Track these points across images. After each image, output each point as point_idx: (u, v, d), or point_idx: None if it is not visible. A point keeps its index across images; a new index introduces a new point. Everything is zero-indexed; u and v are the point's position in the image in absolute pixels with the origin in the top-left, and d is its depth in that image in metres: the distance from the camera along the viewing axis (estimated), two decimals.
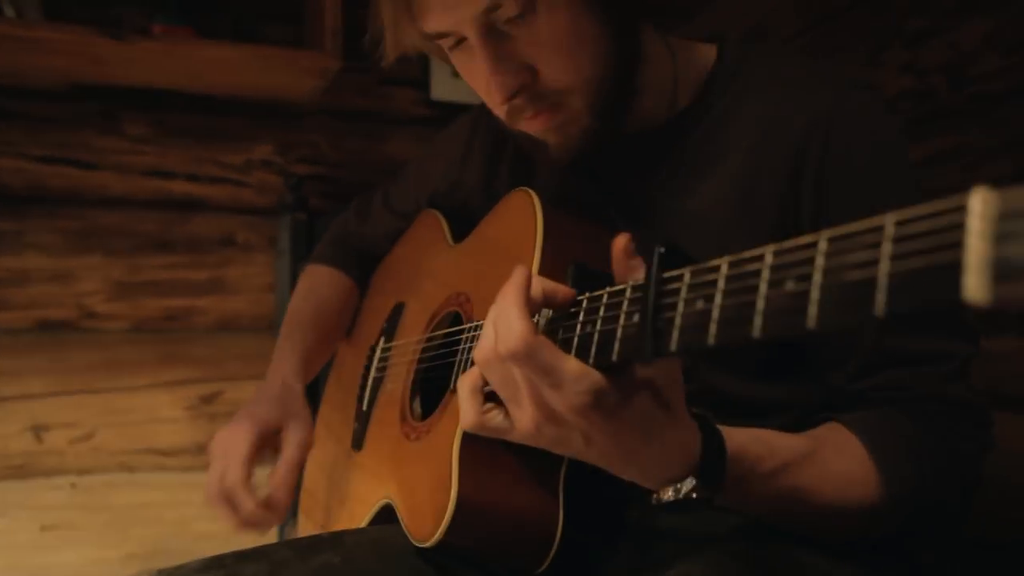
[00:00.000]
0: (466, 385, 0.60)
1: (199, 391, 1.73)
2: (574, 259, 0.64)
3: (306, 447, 0.94)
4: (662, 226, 0.82)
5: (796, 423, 0.72)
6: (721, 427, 0.61)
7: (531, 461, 0.69)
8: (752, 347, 0.44)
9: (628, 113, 0.81)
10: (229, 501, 0.88)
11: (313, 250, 1.24)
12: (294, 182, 1.71)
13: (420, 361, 0.93)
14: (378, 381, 1.02)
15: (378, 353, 1.06)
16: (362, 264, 1.21)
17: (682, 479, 0.58)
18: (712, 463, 0.58)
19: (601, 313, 0.58)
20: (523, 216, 0.83)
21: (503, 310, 0.55)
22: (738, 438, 0.61)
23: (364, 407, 1.00)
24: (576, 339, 0.59)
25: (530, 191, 0.85)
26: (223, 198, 1.74)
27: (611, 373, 0.57)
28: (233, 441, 0.91)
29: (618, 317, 0.56)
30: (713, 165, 0.79)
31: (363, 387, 1.04)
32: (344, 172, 1.82)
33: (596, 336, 0.57)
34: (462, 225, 1.00)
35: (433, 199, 1.13)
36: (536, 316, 0.62)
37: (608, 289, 0.59)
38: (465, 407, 0.60)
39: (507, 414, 0.59)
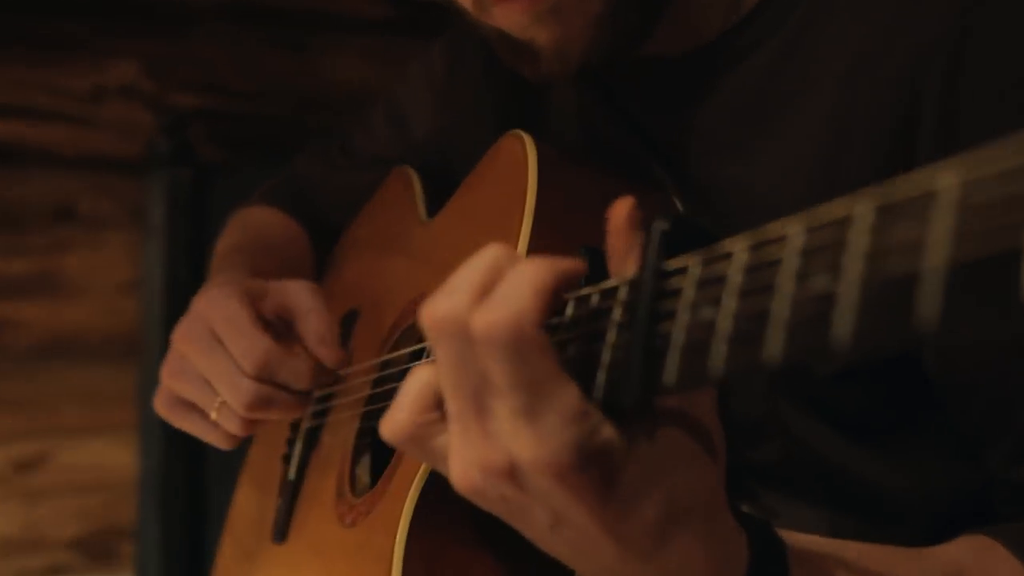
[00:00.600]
0: (418, 377, 0.57)
1: (13, 453, 1.51)
2: (585, 241, 0.62)
3: (319, 295, 0.95)
4: (714, 200, 0.81)
5: (925, 529, 0.70)
6: (786, 535, 0.59)
7: (524, 560, 0.67)
8: (853, 389, 0.46)
9: (663, 17, 0.80)
10: (274, 378, 0.89)
11: (211, 231, 1.27)
12: (172, 121, 1.57)
13: (372, 400, 0.94)
14: (314, 433, 1.04)
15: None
16: (315, 228, 1.24)
17: None
18: None
19: (586, 325, 0.56)
20: (512, 173, 0.83)
21: (512, 272, 0.52)
22: (813, 553, 0.59)
23: (292, 474, 1.02)
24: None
25: (522, 134, 0.84)
26: (57, 144, 1.54)
27: (619, 422, 0.54)
28: (220, 311, 0.91)
29: (604, 332, 0.54)
30: (783, 107, 0.77)
31: (291, 442, 1.06)
32: (255, 107, 1.64)
33: (576, 360, 0.55)
34: (444, 189, 1.00)
35: (408, 152, 1.15)
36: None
37: (597, 288, 0.57)
38: (399, 403, 0.56)
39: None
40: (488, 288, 0.53)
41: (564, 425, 0.51)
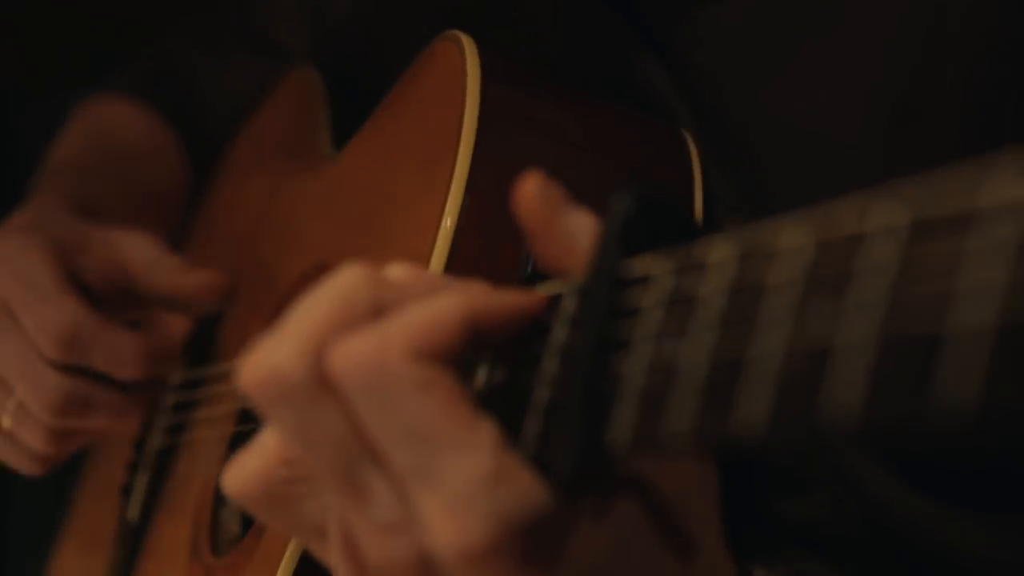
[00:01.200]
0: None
1: None
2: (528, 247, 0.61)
3: (160, 249, 0.97)
4: (747, 135, 0.81)
5: None
6: None
7: None
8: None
9: None
10: (87, 361, 0.90)
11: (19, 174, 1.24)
12: None
13: (247, 414, 0.93)
14: (165, 456, 1.04)
15: (169, 395, 1.07)
16: (192, 136, 1.23)
17: None
18: None
19: (513, 344, 0.56)
20: (446, 93, 0.82)
21: (416, 409, 0.52)
22: None
23: (132, 514, 1.02)
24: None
25: (460, 36, 0.83)
26: None
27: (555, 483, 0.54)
28: (13, 271, 0.92)
29: (539, 360, 0.54)
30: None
31: (134, 469, 1.06)
32: None
33: (496, 395, 0.56)
34: (359, 106, 0.99)
35: (316, 46, 1.13)
36: None
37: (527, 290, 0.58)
38: (254, 443, 0.57)
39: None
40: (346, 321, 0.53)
41: (481, 494, 0.51)
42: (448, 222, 0.75)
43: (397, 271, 0.58)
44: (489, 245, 0.75)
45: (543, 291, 0.57)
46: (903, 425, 0.37)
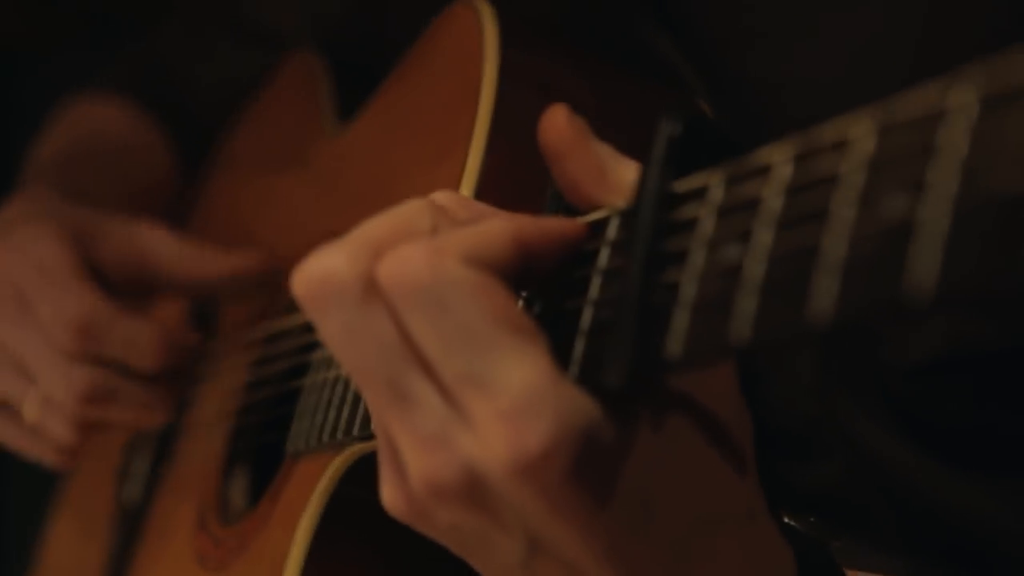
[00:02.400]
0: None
1: None
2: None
3: (179, 240, 0.98)
4: (762, 101, 0.81)
5: None
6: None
7: None
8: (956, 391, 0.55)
9: None
10: (103, 349, 0.89)
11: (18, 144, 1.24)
12: None
13: (252, 388, 0.94)
14: (163, 438, 1.04)
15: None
16: (183, 132, 1.23)
17: None
18: None
19: (558, 274, 0.57)
20: (461, 60, 0.82)
21: (464, 317, 0.52)
22: None
23: (130, 498, 1.02)
24: None
25: (476, 2, 0.83)
26: None
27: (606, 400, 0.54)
28: (30, 259, 0.92)
29: (585, 284, 0.55)
30: None
31: (130, 451, 1.05)
32: None
33: (543, 323, 0.56)
34: (363, 85, 1.00)
35: (315, 27, 1.13)
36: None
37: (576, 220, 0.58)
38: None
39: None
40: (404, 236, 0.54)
41: (537, 401, 0.50)
42: (467, 186, 0.75)
43: (449, 199, 0.58)
44: (509, 207, 0.76)
45: (587, 219, 0.58)
46: (987, 285, 0.37)
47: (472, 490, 0.53)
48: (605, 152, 0.58)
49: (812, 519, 0.66)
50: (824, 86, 0.79)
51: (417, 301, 0.51)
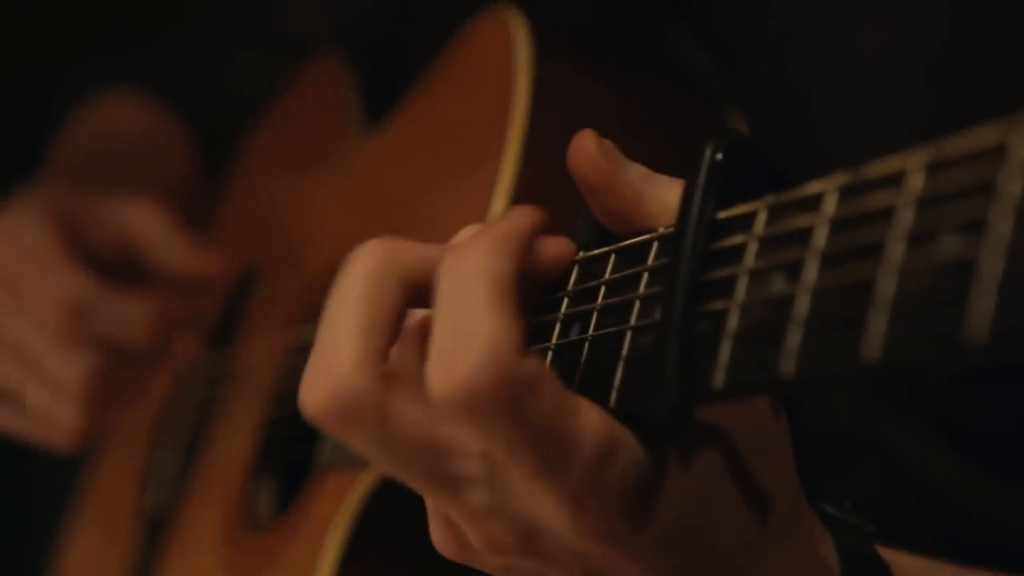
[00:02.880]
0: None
1: None
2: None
3: (170, 226, 0.99)
4: (802, 114, 0.81)
5: None
6: (888, 551, 0.63)
7: None
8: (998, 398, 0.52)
9: None
10: (95, 329, 0.90)
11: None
12: None
13: (280, 396, 0.95)
14: (190, 443, 1.05)
15: (196, 378, 1.08)
16: (206, 134, 1.23)
17: None
18: None
19: (599, 300, 0.58)
20: (492, 71, 0.82)
21: (463, 284, 0.52)
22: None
23: (155, 504, 1.02)
24: (548, 358, 0.59)
25: (506, 13, 0.83)
26: None
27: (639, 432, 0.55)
28: (19, 244, 0.93)
29: (628, 310, 0.55)
30: None
31: (153, 455, 1.06)
32: None
33: (585, 353, 0.57)
34: (388, 87, 1.00)
35: (339, 31, 1.14)
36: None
37: (614, 246, 0.59)
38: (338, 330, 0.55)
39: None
40: (446, 325, 0.52)
41: (598, 469, 0.52)
42: (499, 200, 0.75)
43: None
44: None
45: (622, 244, 0.58)
46: None
47: (530, 543, 0.55)
48: (639, 175, 0.58)
49: (848, 505, 0.66)
50: (849, 89, 0.80)
51: (477, 425, 0.50)
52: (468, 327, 0.50)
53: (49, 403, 0.91)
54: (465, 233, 0.60)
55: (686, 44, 0.88)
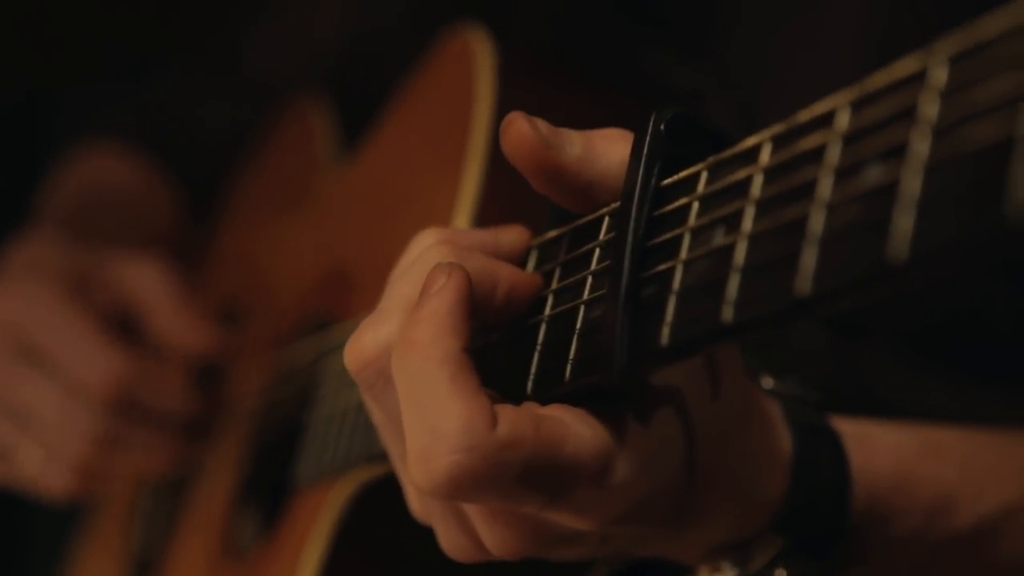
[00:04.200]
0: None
1: None
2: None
3: (175, 279, 1.00)
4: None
5: None
6: (844, 424, 0.65)
7: None
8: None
9: None
10: (137, 402, 0.92)
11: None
12: None
13: (265, 423, 0.95)
14: (181, 477, 1.04)
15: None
16: (186, 179, 1.25)
17: (746, 540, 0.62)
18: (815, 500, 0.62)
19: (554, 282, 0.59)
20: (457, 86, 0.83)
21: (419, 382, 0.54)
22: (880, 452, 0.66)
23: (147, 537, 1.03)
24: (504, 350, 0.60)
25: (468, 31, 0.84)
26: None
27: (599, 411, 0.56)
28: (41, 314, 0.94)
29: (582, 286, 0.56)
30: None
31: (145, 492, 1.07)
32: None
33: (541, 334, 0.58)
34: (362, 121, 1.01)
35: (311, 68, 1.16)
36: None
37: (567, 226, 0.60)
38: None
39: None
40: (414, 429, 0.54)
41: (603, 479, 0.54)
42: (463, 211, 0.75)
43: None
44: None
45: (578, 222, 0.59)
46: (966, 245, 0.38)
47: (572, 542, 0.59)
48: (577, 139, 0.57)
49: (793, 378, 0.67)
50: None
51: (492, 488, 0.53)
52: (436, 420, 0.52)
53: (41, 466, 0.92)
54: (415, 247, 0.62)
55: (661, 59, 0.89)
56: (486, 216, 0.74)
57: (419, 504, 0.62)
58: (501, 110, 0.78)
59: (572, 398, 0.55)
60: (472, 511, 0.58)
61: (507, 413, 0.52)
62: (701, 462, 0.58)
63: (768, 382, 0.64)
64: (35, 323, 0.93)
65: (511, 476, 0.51)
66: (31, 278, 0.98)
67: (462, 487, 0.51)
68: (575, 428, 0.53)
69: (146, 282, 0.98)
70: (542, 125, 0.56)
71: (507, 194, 0.76)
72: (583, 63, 0.92)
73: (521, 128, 0.56)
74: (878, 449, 0.65)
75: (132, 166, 1.22)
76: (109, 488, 1.03)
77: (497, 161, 0.77)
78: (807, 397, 0.64)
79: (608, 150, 0.56)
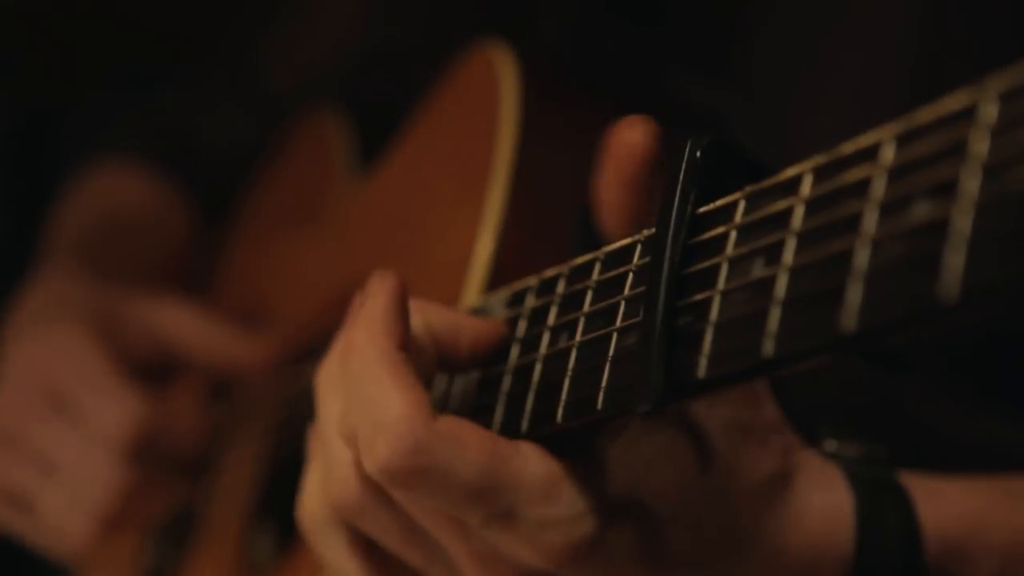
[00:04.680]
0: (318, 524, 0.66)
1: None
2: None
3: (203, 324, 1.01)
4: (797, 131, 0.83)
5: None
6: (912, 478, 0.64)
7: None
8: None
9: None
10: (154, 452, 0.94)
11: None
12: None
13: (281, 436, 0.95)
14: (194, 495, 1.04)
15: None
16: (201, 194, 1.25)
17: None
18: (885, 557, 0.62)
19: (586, 306, 0.58)
20: (481, 102, 0.83)
21: (358, 379, 0.59)
22: (950, 501, 0.65)
23: (159, 556, 1.03)
24: (537, 369, 0.60)
25: (491, 49, 0.84)
26: None
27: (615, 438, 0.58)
28: (68, 364, 0.95)
29: (615, 311, 0.56)
30: None
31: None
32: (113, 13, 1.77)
33: (572, 359, 0.57)
34: (380, 136, 1.01)
35: (337, 82, 1.15)
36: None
37: (598, 253, 0.59)
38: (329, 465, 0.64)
39: None
40: (353, 419, 0.58)
41: (545, 505, 0.56)
42: (487, 229, 0.75)
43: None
44: (530, 249, 0.75)
45: (611, 248, 0.59)
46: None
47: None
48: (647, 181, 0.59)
49: (857, 439, 0.67)
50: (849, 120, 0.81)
51: (419, 490, 0.56)
52: (377, 413, 0.56)
53: (63, 514, 0.92)
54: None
55: (681, 77, 0.89)
56: (509, 237, 0.75)
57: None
58: (525, 129, 0.79)
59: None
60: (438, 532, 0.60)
61: (452, 417, 0.56)
62: (673, 527, 0.58)
63: (831, 445, 0.64)
64: (61, 370, 0.94)
65: (454, 476, 0.54)
66: (56, 321, 0.98)
67: (400, 473, 0.54)
68: (524, 448, 0.56)
69: (179, 323, 1.00)
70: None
71: (531, 216, 0.76)
72: (602, 80, 0.92)
73: (637, 136, 0.60)
74: (947, 498, 0.64)
75: (147, 185, 1.23)
76: (122, 538, 1.04)
77: (522, 182, 0.77)
78: (873, 455, 0.64)
79: None
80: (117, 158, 1.25)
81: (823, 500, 0.61)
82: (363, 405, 0.57)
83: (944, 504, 0.64)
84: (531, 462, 0.56)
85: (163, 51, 1.60)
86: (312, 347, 0.95)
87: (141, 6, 1.76)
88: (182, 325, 1.00)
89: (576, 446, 0.58)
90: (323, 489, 0.63)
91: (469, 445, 0.55)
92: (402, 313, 0.59)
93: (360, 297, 0.61)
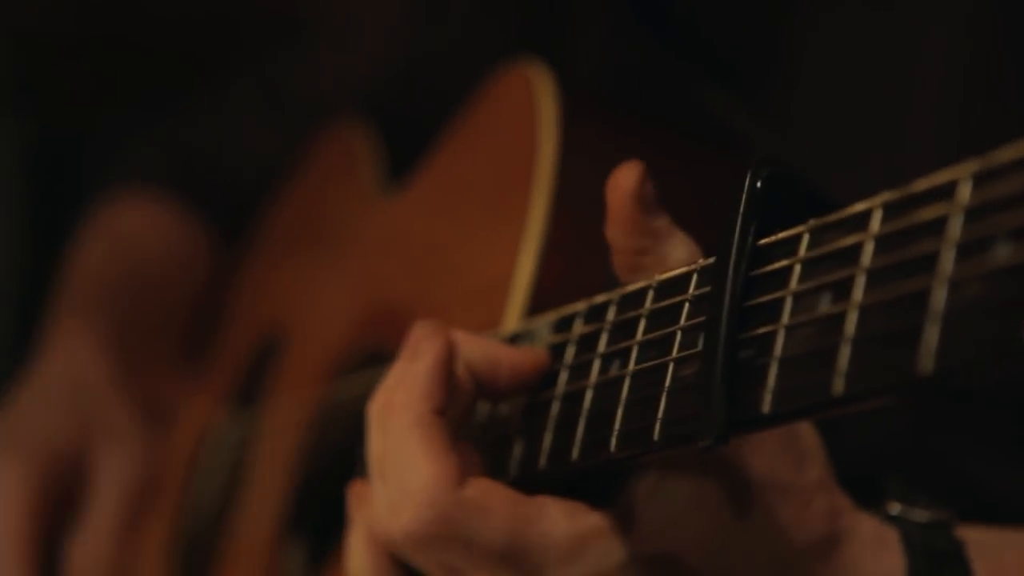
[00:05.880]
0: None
1: None
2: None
3: (133, 488, 1.06)
4: (834, 152, 0.83)
5: None
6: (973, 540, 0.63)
7: None
8: None
9: None
10: None
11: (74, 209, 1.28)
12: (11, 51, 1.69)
13: (309, 459, 0.95)
14: (222, 506, 1.05)
15: (223, 441, 1.09)
16: (225, 218, 1.26)
17: None
18: None
19: (639, 334, 0.58)
20: (518, 123, 0.83)
21: (393, 440, 0.60)
22: (1011, 557, 0.65)
23: (186, 568, 1.03)
24: (588, 396, 0.60)
25: (528, 68, 0.84)
26: None
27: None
28: None
29: (670, 341, 0.56)
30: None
31: (190, 518, 1.07)
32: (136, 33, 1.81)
33: (626, 388, 0.57)
34: (413, 152, 1.00)
35: (367, 96, 1.15)
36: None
37: (652, 281, 0.59)
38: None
39: None
40: (386, 479, 0.60)
41: (571, 564, 0.58)
42: (528, 253, 0.75)
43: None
44: (570, 275, 0.75)
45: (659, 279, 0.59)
46: None
47: None
48: (660, 225, 0.59)
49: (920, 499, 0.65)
50: (888, 145, 0.81)
51: (449, 551, 0.58)
52: (405, 477, 0.58)
53: None
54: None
55: (720, 99, 0.89)
56: (550, 261, 0.75)
57: None
58: (565, 150, 0.78)
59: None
60: None
61: (481, 482, 0.58)
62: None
63: (895, 507, 0.63)
64: None
65: (478, 542, 0.56)
66: (8, 451, 1.08)
67: (423, 540, 0.57)
68: (550, 508, 0.58)
69: (107, 477, 1.07)
70: (649, 190, 0.59)
71: (572, 240, 0.76)
72: (639, 102, 0.92)
73: (631, 180, 0.59)
74: (1008, 563, 0.64)
75: (172, 227, 1.23)
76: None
77: (562, 205, 0.76)
78: (937, 521, 0.63)
79: (674, 251, 0.59)
80: (140, 187, 1.25)
81: (875, 566, 0.60)
82: (395, 468, 0.59)
83: (1005, 571, 0.64)
84: (557, 524, 0.57)
85: (185, 73, 1.61)
86: (341, 365, 0.95)
87: (166, 30, 1.79)
88: (109, 481, 1.07)
89: (601, 489, 0.59)
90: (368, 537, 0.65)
91: (494, 511, 0.57)
92: (445, 376, 0.60)
93: (408, 349, 0.62)
